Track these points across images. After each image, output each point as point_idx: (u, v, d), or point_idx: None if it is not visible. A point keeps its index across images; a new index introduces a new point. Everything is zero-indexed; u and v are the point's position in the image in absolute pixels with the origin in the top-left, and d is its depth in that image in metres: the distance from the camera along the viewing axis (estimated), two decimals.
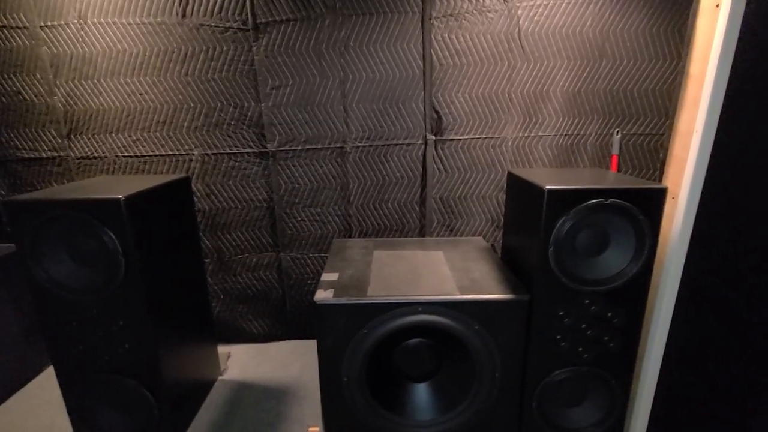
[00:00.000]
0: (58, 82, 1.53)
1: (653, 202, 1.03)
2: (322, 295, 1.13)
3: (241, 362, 1.71)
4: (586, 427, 1.23)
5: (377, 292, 1.15)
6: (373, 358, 1.16)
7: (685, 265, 1.05)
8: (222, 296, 1.77)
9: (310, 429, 1.33)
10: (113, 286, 1.07)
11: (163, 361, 1.19)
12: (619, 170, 1.56)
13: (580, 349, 1.16)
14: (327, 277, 1.26)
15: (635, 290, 1.10)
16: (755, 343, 1.05)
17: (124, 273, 1.07)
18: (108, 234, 1.04)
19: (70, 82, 1.53)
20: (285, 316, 1.82)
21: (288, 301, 1.80)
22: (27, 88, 1.54)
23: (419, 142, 1.61)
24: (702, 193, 0.99)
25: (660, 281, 1.10)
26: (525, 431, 1.24)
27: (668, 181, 1.06)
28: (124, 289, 1.09)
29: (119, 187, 1.12)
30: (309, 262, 1.75)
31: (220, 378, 1.61)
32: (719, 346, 1.08)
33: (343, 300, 1.12)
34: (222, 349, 1.73)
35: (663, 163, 1.44)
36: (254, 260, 1.74)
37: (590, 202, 1.04)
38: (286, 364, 1.70)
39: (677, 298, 1.08)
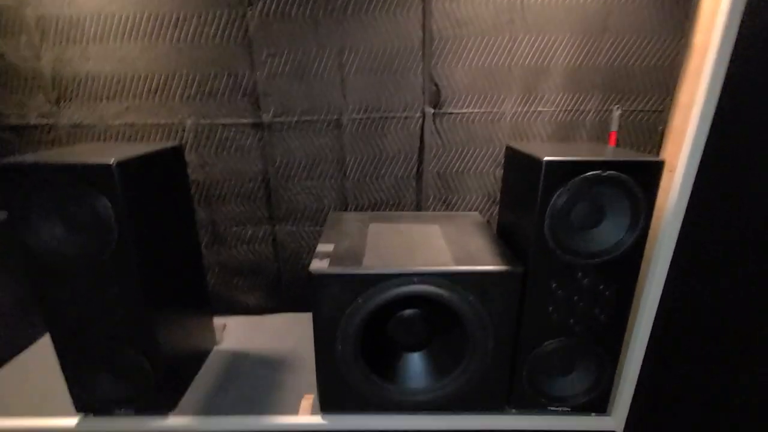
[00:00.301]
0: (44, 46, 1.48)
1: (650, 174, 1.03)
2: (318, 265, 1.13)
3: (237, 333, 1.72)
4: (574, 395, 1.26)
5: (373, 263, 1.15)
6: (368, 328, 1.17)
7: (679, 238, 1.06)
8: (217, 269, 1.77)
9: (306, 397, 1.35)
10: (106, 252, 1.06)
11: (158, 329, 1.19)
12: (617, 147, 1.56)
13: (572, 320, 1.18)
14: (322, 248, 1.26)
15: (628, 263, 1.11)
16: (748, 318, 1.08)
17: (117, 239, 1.06)
18: (100, 199, 1.02)
19: (57, 45, 1.48)
20: (280, 289, 1.83)
21: (283, 274, 1.80)
22: (12, 51, 1.48)
23: (417, 115, 1.59)
24: (700, 165, 0.99)
25: (653, 254, 1.11)
26: (514, 399, 1.27)
27: (666, 154, 1.06)
28: (118, 256, 1.08)
29: (111, 153, 1.10)
30: (304, 236, 1.75)
31: (215, 348, 1.62)
32: (710, 319, 1.10)
33: (339, 270, 1.12)
34: (217, 320, 1.74)
35: (661, 139, 1.44)
36: (249, 233, 1.74)
37: (587, 173, 1.03)
38: (282, 335, 1.72)
39: (669, 270, 1.09)
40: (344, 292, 1.13)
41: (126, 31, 1.47)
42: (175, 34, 1.47)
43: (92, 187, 1.02)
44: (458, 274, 1.12)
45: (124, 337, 1.17)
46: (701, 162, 0.99)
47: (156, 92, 1.54)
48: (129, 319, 1.15)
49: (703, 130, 0.97)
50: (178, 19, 1.45)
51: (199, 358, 1.51)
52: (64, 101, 1.55)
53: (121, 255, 1.08)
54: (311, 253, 1.70)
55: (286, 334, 1.72)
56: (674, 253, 1.07)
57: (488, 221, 1.67)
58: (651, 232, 1.08)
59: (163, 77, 1.52)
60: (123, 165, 1.03)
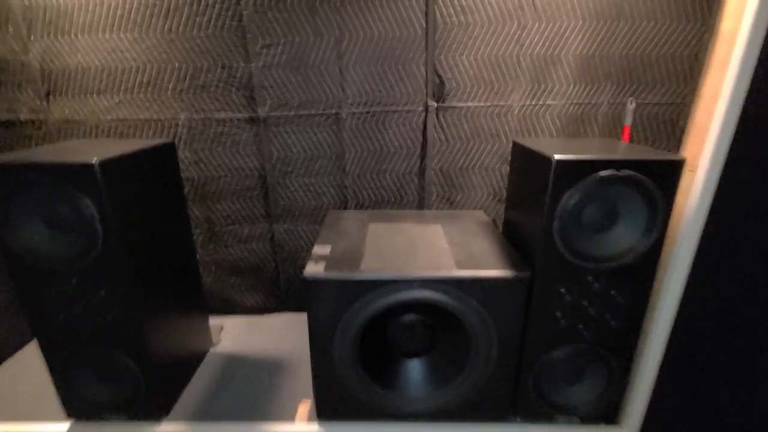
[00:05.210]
0: (32, 38, 1.42)
1: (669, 174, 0.95)
2: (313, 269, 1.08)
3: (234, 335, 1.69)
4: (582, 404, 1.20)
5: (371, 267, 1.09)
6: (366, 333, 1.12)
7: (700, 244, 0.98)
8: (213, 268, 1.73)
9: (303, 402, 1.31)
10: (92, 254, 1.02)
11: (148, 332, 1.15)
12: (631, 142, 1.47)
13: (581, 326, 1.12)
14: (319, 250, 1.20)
15: (643, 268, 1.04)
16: None
17: (103, 241, 1.01)
18: (83, 200, 0.97)
19: (45, 37, 1.42)
20: (278, 288, 1.78)
21: (281, 273, 1.75)
22: None
23: (420, 108, 1.51)
24: (725, 165, 0.91)
25: (671, 259, 1.04)
26: (520, 408, 1.22)
27: (687, 151, 0.98)
28: (103, 258, 1.03)
29: (97, 151, 1.05)
30: (303, 234, 1.69)
31: (212, 350, 1.58)
32: (731, 330, 1.03)
33: (335, 275, 1.06)
34: (214, 321, 1.70)
35: (682, 135, 1.35)
36: (246, 231, 1.69)
37: (601, 173, 0.96)
38: (280, 336, 1.68)
39: (688, 277, 1.02)
40: (340, 298, 1.07)
41: (115, 21, 1.40)
42: (166, 24, 1.41)
43: (75, 187, 0.96)
44: (461, 279, 1.06)
45: (113, 341, 1.13)
46: (726, 161, 0.90)
47: (148, 86, 1.48)
48: (118, 322, 1.11)
49: (728, 126, 0.89)
50: (168, 8, 1.39)
51: (194, 360, 1.48)
52: (54, 96, 1.49)
53: (108, 256, 1.03)
54: (310, 251, 1.64)
55: (284, 335, 1.68)
56: (694, 259, 1.00)
57: (494, 220, 1.60)
58: (669, 235, 1.00)
59: (154, 70, 1.46)
60: (107, 164, 0.98)
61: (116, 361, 1.14)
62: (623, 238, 1.03)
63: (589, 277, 1.06)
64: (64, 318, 1.09)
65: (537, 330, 1.12)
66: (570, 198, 0.99)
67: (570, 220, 1.01)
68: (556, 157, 0.96)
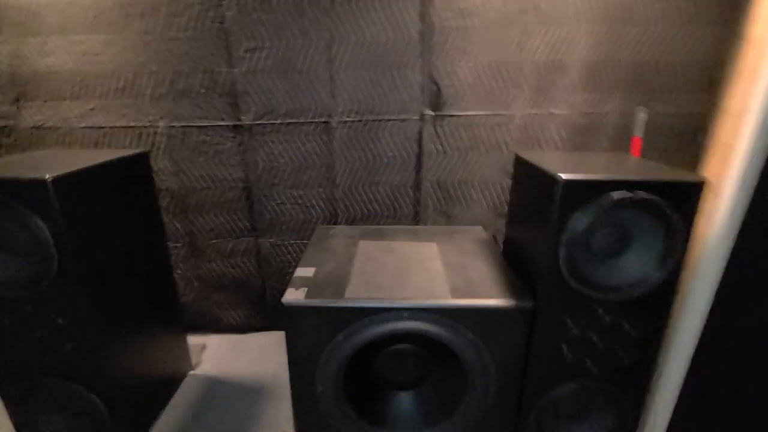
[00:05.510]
0: (0, 39, 1.33)
1: (689, 196, 0.85)
2: (293, 296, 0.98)
3: (216, 355, 1.58)
4: None
5: (356, 294, 0.99)
6: (351, 365, 1.02)
7: (724, 273, 0.88)
8: (196, 284, 1.62)
9: None
10: (46, 280, 0.92)
11: (114, 361, 1.06)
12: (641, 156, 1.37)
13: (588, 362, 1.02)
14: (302, 272, 1.10)
15: (659, 299, 0.94)
16: None
17: (59, 265, 0.91)
18: (35, 221, 0.87)
19: (14, 38, 1.33)
20: (264, 306, 1.68)
21: (267, 290, 1.65)
22: None
23: (415, 117, 1.41)
24: (755, 188, 0.81)
25: (690, 289, 0.93)
26: None
27: (709, 171, 0.88)
28: (61, 283, 0.93)
29: (59, 164, 0.95)
30: (290, 250, 1.59)
31: (191, 372, 1.48)
32: (756, 371, 0.93)
33: (317, 302, 0.96)
34: (196, 340, 1.60)
35: (698, 149, 1.25)
36: (230, 246, 1.59)
37: (613, 195, 0.86)
38: (265, 357, 1.57)
39: (710, 310, 0.91)
40: (323, 328, 0.97)
41: (87, 22, 1.31)
42: (143, 25, 1.31)
43: (26, 206, 0.87)
44: (455, 309, 0.96)
45: (74, 373, 1.02)
46: (758, 183, 0.80)
47: (124, 91, 1.39)
48: (79, 352, 1.01)
49: (760, 144, 0.79)
50: (145, 8, 1.29)
51: (170, 385, 1.38)
52: (25, 101, 1.40)
53: (65, 281, 0.94)
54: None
55: (269, 356, 1.58)
56: (717, 290, 0.89)
57: (494, 236, 1.50)
58: (688, 264, 0.90)
59: (131, 74, 1.37)
60: (63, 180, 0.88)
61: (77, 395, 1.04)
62: (636, 266, 0.93)
63: (599, 309, 0.96)
64: (19, 349, 1.00)
65: (540, 364, 1.02)
66: (578, 221, 0.89)
67: (578, 245, 0.91)
68: (564, 176, 0.86)
